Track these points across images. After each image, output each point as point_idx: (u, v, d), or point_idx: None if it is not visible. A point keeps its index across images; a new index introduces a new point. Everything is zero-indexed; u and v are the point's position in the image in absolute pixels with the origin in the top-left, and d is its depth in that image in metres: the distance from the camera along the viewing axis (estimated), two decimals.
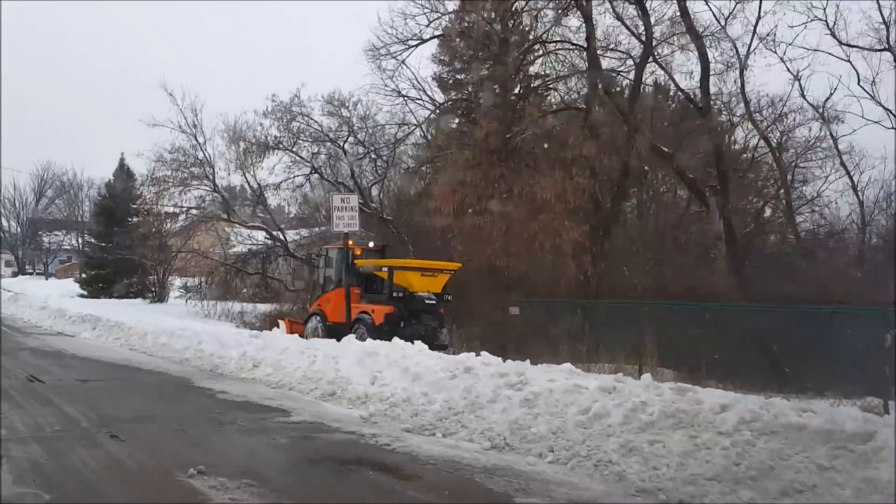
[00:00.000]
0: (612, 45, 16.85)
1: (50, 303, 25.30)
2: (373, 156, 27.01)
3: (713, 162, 15.64)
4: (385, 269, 14.08)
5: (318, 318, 15.11)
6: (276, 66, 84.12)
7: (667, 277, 15.50)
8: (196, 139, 26.69)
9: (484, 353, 8.70)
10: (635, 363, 10.80)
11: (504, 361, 8.41)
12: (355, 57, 66.95)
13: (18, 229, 63.16)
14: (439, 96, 25.70)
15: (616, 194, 15.87)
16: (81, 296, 36.16)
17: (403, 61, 23.39)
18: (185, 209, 29.02)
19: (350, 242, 14.62)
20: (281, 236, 27.78)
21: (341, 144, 26.03)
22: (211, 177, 27.07)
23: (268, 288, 30.21)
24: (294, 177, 26.75)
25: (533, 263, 14.40)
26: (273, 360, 11.26)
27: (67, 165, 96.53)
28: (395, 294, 13.58)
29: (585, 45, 15.93)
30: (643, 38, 15.79)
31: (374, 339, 12.53)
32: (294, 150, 25.52)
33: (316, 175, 26.30)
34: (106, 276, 37.04)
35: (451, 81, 23.75)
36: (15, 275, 57.40)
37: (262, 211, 29.17)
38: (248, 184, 27.30)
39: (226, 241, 30.98)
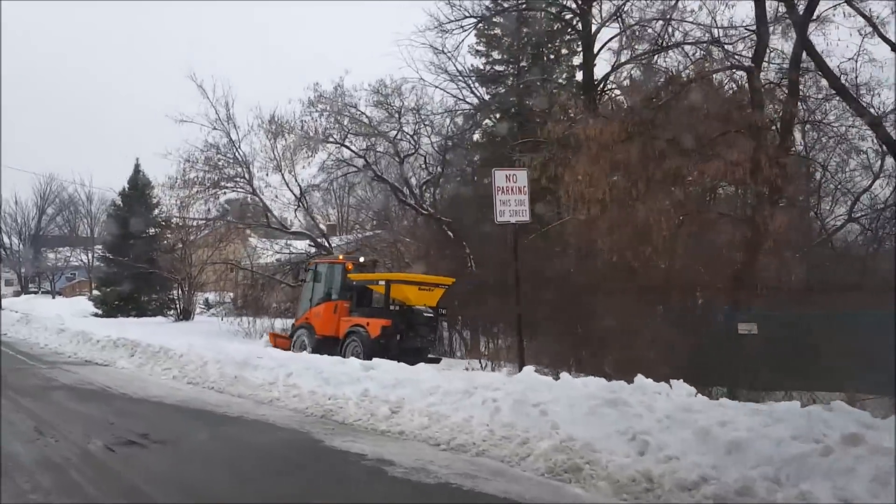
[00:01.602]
0: None
1: (68, 324, 22.11)
2: (424, 150, 24.05)
3: None
4: (382, 282, 14.27)
5: (306, 331, 15.33)
6: (296, 55, 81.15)
7: (872, 276, 12.34)
8: (229, 136, 23.67)
9: (837, 403, 5.50)
10: None
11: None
12: (388, 47, 64.15)
13: (21, 246, 59.93)
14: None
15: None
16: (96, 315, 33.22)
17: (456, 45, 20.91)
18: (213, 217, 25.86)
19: (340, 257, 16.48)
20: (326, 243, 24.74)
21: (392, 138, 23.08)
22: (247, 177, 23.99)
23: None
24: (345, 174, 23.77)
25: (712, 263, 11.26)
26: (420, 404, 8.09)
27: (72, 176, 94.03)
28: (392, 307, 13.81)
29: None
30: None
31: (370, 352, 12.41)
32: (346, 144, 22.56)
33: (371, 172, 23.29)
34: (122, 293, 33.83)
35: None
36: (18, 294, 54.14)
37: (304, 215, 26.18)
38: (288, 185, 24.20)
39: (254, 250, 27.89)
